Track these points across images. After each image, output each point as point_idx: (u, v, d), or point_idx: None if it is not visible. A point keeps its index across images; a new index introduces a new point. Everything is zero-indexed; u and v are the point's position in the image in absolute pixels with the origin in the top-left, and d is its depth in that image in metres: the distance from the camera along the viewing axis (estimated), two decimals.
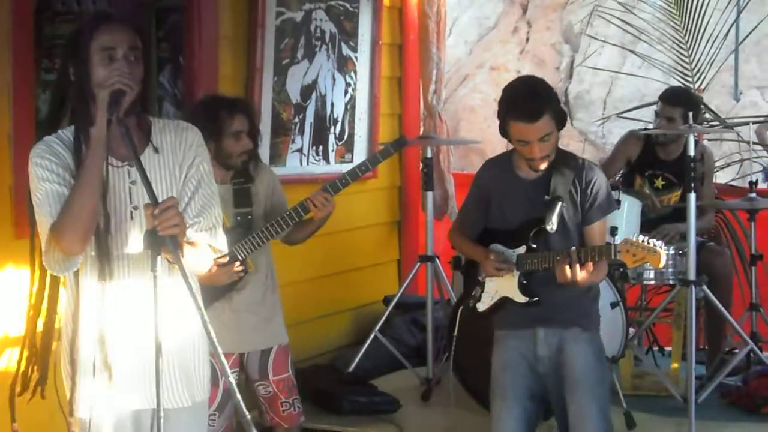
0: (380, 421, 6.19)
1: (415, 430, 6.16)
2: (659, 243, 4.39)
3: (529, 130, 4.57)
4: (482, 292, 4.91)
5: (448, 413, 6.36)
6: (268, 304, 5.13)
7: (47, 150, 3.45)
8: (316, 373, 6.50)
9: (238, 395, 3.20)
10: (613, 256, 4.44)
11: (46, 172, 3.41)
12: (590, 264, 4.51)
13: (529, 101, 4.62)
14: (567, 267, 4.49)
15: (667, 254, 4.52)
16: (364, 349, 6.74)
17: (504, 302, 4.82)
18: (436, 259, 6.75)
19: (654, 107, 6.98)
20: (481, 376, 5.54)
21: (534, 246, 4.70)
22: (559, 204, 4.64)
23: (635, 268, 6.17)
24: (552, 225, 4.62)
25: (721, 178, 9.04)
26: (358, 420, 6.17)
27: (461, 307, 5.34)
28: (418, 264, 6.86)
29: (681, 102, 6.68)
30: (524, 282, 4.73)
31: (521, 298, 4.75)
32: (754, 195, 6.83)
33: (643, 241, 4.38)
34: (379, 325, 6.79)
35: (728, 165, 9.13)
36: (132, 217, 3.45)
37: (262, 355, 5.12)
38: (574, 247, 4.53)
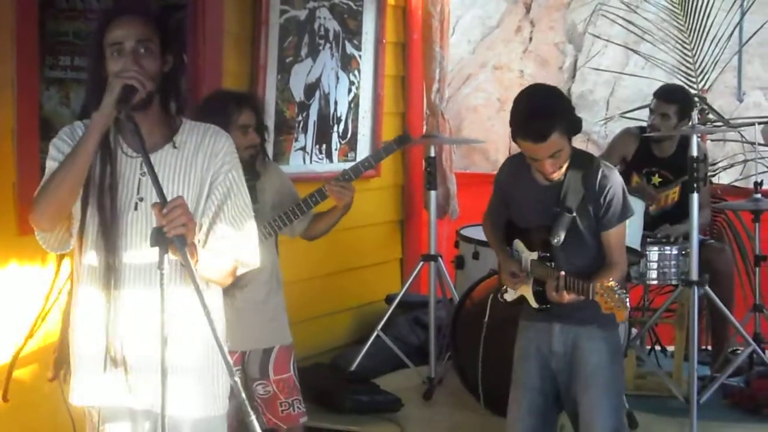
0: (382, 420, 6.18)
1: (417, 429, 6.15)
2: (626, 299, 4.33)
3: (538, 149, 4.50)
4: None
5: (450, 412, 6.36)
6: (272, 304, 5.11)
7: (68, 132, 3.49)
8: (318, 372, 6.49)
9: (243, 395, 3.18)
10: (590, 297, 4.38)
11: (57, 153, 3.44)
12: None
13: (536, 121, 4.49)
14: (554, 287, 4.47)
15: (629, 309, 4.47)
16: (366, 347, 6.74)
17: (524, 298, 4.82)
18: (439, 258, 6.74)
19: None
20: (482, 375, 5.56)
21: (545, 254, 4.67)
22: (567, 217, 4.60)
23: (638, 268, 6.19)
24: (558, 239, 4.60)
25: (725, 178, 9.04)
26: (360, 419, 6.16)
27: (493, 296, 5.29)
28: (421, 263, 6.85)
29: (676, 99, 6.70)
30: (538, 289, 4.71)
31: (534, 304, 4.75)
32: (758, 196, 6.83)
33: (617, 293, 4.29)
34: (382, 323, 6.79)
35: (732, 166, 9.12)
36: (136, 208, 3.42)
37: (263, 354, 5.09)
38: (562, 273, 4.46)
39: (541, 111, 4.54)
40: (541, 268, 4.67)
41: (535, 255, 4.72)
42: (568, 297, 4.46)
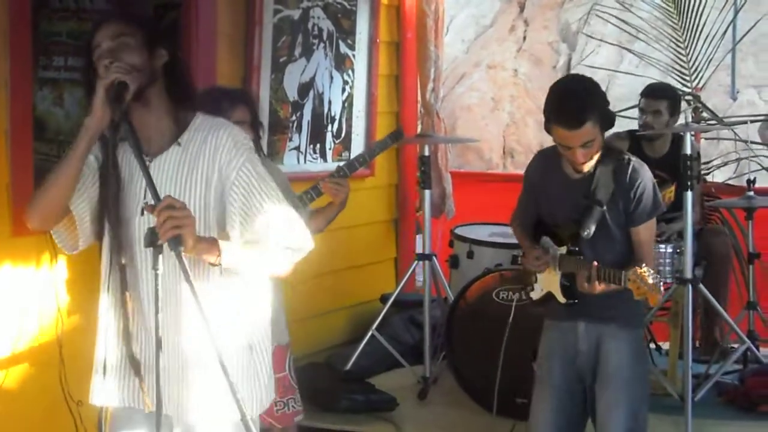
0: (377, 419, 6.18)
1: (413, 429, 6.14)
2: (661, 281, 4.36)
3: (571, 137, 4.50)
4: (536, 282, 4.92)
5: (446, 412, 6.36)
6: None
7: None
8: (313, 372, 6.48)
9: (238, 395, 3.17)
10: (622, 284, 4.38)
11: None
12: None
13: (572, 107, 4.51)
14: (585, 279, 4.46)
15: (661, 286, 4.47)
16: (361, 347, 6.73)
17: (551, 296, 4.81)
18: (434, 258, 6.74)
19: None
20: (477, 374, 5.56)
21: (574, 248, 4.67)
22: (597, 210, 4.60)
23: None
24: (588, 231, 4.60)
25: (719, 176, 9.05)
26: (355, 418, 6.16)
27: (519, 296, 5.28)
28: (416, 262, 6.85)
29: (666, 95, 6.74)
30: (566, 284, 4.71)
31: (562, 299, 4.75)
32: (751, 193, 6.84)
33: (649, 277, 4.29)
34: (377, 323, 6.78)
35: (725, 164, 9.13)
36: (142, 213, 3.40)
37: None
38: (595, 263, 4.45)
39: (578, 98, 4.56)
40: (571, 262, 4.66)
41: (564, 249, 4.71)
42: (599, 287, 4.44)
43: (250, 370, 3.51)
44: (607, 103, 4.64)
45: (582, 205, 4.63)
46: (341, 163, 5.28)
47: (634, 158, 4.72)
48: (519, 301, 5.75)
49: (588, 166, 4.61)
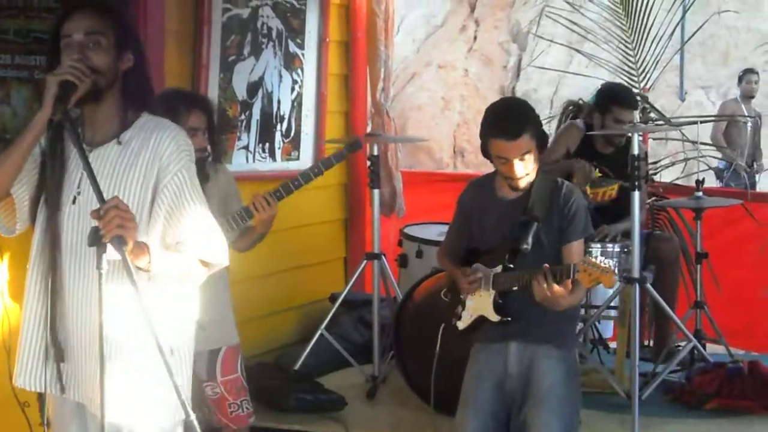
0: (326, 418, 6.17)
1: (361, 428, 6.14)
2: (612, 263, 4.42)
3: (509, 148, 4.63)
4: (463, 310, 4.95)
5: (394, 411, 6.36)
6: (218, 304, 5.07)
7: None
8: (262, 371, 6.47)
9: (183, 396, 3.16)
10: (572, 276, 4.44)
11: None
12: (568, 282, 4.49)
13: (510, 119, 4.71)
14: (543, 284, 4.47)
15: (614, 263, 4.55)
16: (310, 346, 6.72)
17: (481, 321, 4.85)
18: (383, 257, 6.74)
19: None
20: (425, 374, 5.56)
21: (510, 266, 4.73)
22: (535, 225, 4.69)
23: None
24: (527, 245, 4.67)
25: (667, 177, 9.11)
26: (304, 418, 6.15)
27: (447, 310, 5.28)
28: (365, 262, 6.85)
29: (637, 104, 6.79)
30: (499, 301, 4.77)
31: (495, 317, 4.78)
32: (699, 194, 6.89)
33: (599, 261, 4.39)
34: (326, 322, 6.77)
35: (673, 164, 9.19)
36: (74, 202, 3.42)
37: (210, 356, 5.06)
38: (546, 265, 4.51)
39: (515, 112, 4.80)
40: (508, 277, 4.72)
41: (499, 268, 4.77)
42: (558, 290, 4.46)
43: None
44: (541, 124, 4.81)
45: (519, 221, 4.72)
46: (291, 165, 5.25)
47: (566, 182, 4.89)
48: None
49: (524, 182, 4.72)
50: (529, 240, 4.67)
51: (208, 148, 4.99)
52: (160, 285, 3.41)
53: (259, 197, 4.98)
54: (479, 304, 4.86)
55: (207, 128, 4.95)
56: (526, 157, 4.65)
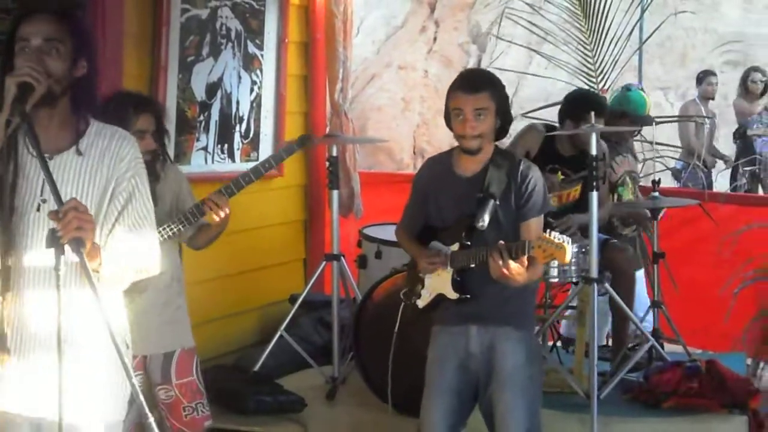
0: (286, 420, 6.17)
1: (321, 429, 6.15)
2: (567, 239, 4.42)
3: (467, 100, 4.69)
4: (422, 288, 4.96)
5: (354, 411, 6.37)
6: (173, 307, 5.06)
7: None
8: (221, 373, 6.46)
9: (141, 397, 3.15)
10: (527, 252, 4.45)
11: None
12: (524, 258, 4.48)
13: (474, 75, 4.94)
14: (499, 261, 4.48)
15: (573, 251, 4.56)
16: (269, 348, 6.71)
17: (440, 299, 4.86)
18: (342, 258, 6.74)
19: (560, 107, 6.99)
20: (385, 374, 5.56)
21: (467, 243, 4.73)
22: (491, 202, 4.70)
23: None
24: (483, 223, 4.67)
25: None
26: (263, 419, 6.15)
27: (403, 304, 5.28)
28: (324, 263, 6.85)
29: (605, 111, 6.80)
30: (457, 279, 4.77)
31: (453, 295, 4.79)
32: (656, 194, 6.93)
33: (553, 236, 4.41)
34: (285, 323, 6.76)
35: None
36: (39, 210, 3.39)
37: (164, 359, 5.03)
38: (502, 242, 4.52)
39: (481, 72, 5.16)
40: (465, 255, 4.72)
41: (456, 246, 4.77)
42: (515, 266, 4.47)
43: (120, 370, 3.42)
44: (507, 98, 4.87)
45: (475, 199, 4.72)
46: (250, 166, 5.22)
47: (524, 159, 4.93)
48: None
49: (476, 144, 4.73)
50: (486, 217, 4.68)
51: (159, 150, 4.98)
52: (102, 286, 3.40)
53: (208, 199, 4.94)
54: (438, 283, 4.86)
55: (155, 131, 4.95)
56: (482, 115, 4.69)
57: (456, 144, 4.88)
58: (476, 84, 4.72)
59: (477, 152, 4.76)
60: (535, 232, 4.71)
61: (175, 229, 4.93)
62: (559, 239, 4.39)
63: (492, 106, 4.71)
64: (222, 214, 4.93)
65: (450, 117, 4.79)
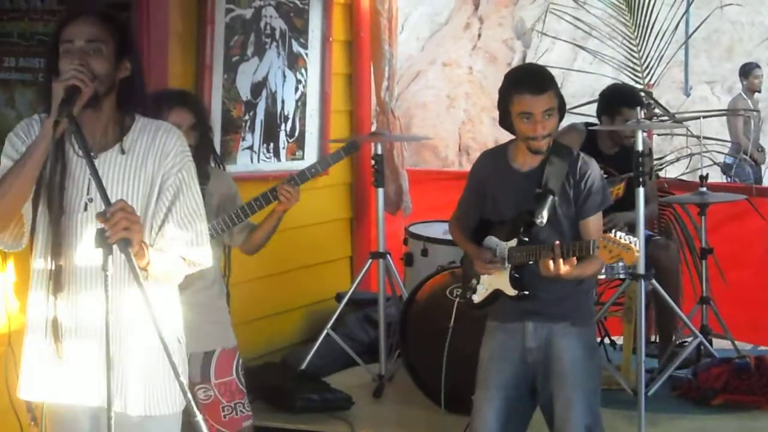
0: (333, 418, 6.18)
1: (368, 427, 6.15)
2: (635, 240, 4.37)
3: (535, 102, 4.59)
4: (478, 283, 4.91)
5: (401, 409, 6.37)
6: (214, 306, 5.04)
7: (24, 128, 3.53)
8: (269, 371, 6.48)
9: (189, 395, 3.17)
10: (591, 252, 4.42)
11: (11, 149, 3.47)
12: (573, 258, 4.45)
13: (536, 75, 4.75)
14: (550, 261, 4.45)
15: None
16: (316, 346, 6.72)
17: (497, 295, 4.81)
18: (388, 256, 6.75)
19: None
20: (432, 372, 5.57)
21: (525, 239, 4.68)
22: (550, 198, 4.63)
23: None
24: (542, 219, 4.61)
25: (671, 172, 9.10)
26: (310, 418, 6.16)
27: (457, 301, 5.27)
28: (370, 260, 6.85)
29: (642, 102, 6.76)
30: (516, 275, 4.72)
31: (512, 291, 4.74)
32: (704, 189, 6.90)
33: (619, 237, 4.35)
34: (332, 322, 6.78)
35: (678, 159, 9.18)
36: (86, 209, 3.42)
37: (204, 357, 5.03)
38: (558, 242, 4.48)
39: (540, 69, 4.90)
40: (523, 251, 4.66)
41: (513, 242, 4.72)
42: (565, 268, 4.45)
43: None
44: (562, 95, 4.78)
45: (534, 195, 4.66)
46: (296, 165, 5.26)
47: (583, 153, 4.82)
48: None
49: (545, 144, 4.65)
50: (545, 213, 4.60)
51: (202, 147, 4.98)
52: (153, 284, 3.43)
53: (281, 186, 5.02)
54: (496, 278, 4.79)
55: (194, 125, 4.93)
56: (550, 113, 4.61)
57: (511, 138, 4.83)
58: (542, 84, 4.63)
59: (546, 152, 4.71)
60: (594, 228, 4.68)
61: (228, 224, 4.96)
62: (626, 240, 4.33)
63: (556, 105, 4.65)
64: (294, 202, 5.02)
65: (510, 118, 4.69)
